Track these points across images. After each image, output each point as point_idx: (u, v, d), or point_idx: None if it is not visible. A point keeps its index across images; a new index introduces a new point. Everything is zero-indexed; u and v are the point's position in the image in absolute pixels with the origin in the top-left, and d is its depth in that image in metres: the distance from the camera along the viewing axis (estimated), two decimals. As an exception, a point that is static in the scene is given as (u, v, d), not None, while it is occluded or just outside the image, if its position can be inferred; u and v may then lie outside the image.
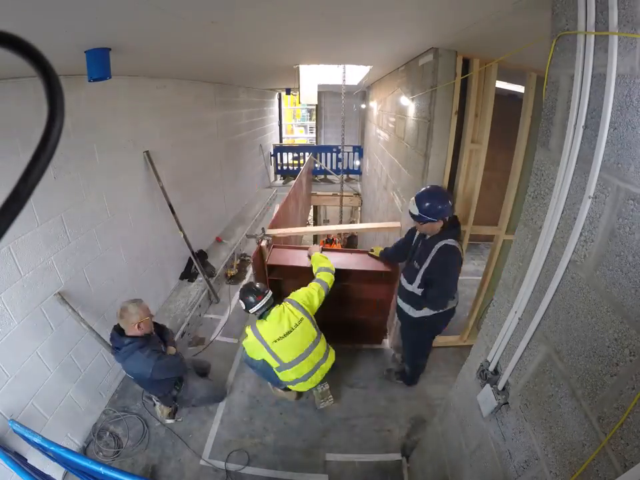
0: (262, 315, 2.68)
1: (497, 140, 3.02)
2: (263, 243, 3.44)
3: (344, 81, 4.16)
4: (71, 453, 1.83)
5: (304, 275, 3.46)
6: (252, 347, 2.72)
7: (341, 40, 2.45)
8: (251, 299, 2.65)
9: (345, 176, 8.69)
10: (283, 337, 2.63)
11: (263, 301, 2.65)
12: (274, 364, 2.74)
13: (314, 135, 13.41)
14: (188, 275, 4.83)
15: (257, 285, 2.72)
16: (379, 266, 3.41)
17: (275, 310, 2.67)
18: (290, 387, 2.88)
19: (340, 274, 3.16)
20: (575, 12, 1.00)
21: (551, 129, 1.19)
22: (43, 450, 2.02)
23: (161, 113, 4.14)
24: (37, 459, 2.28)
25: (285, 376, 2.79)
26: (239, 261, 5.68)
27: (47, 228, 2.53)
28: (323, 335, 2.90)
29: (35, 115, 2.27)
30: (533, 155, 1.32)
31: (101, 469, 1.67)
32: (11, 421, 2.15)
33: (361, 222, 8.95)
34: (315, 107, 12.62)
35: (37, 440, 1.94)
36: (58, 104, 0.28)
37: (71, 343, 2.80)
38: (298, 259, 3.53)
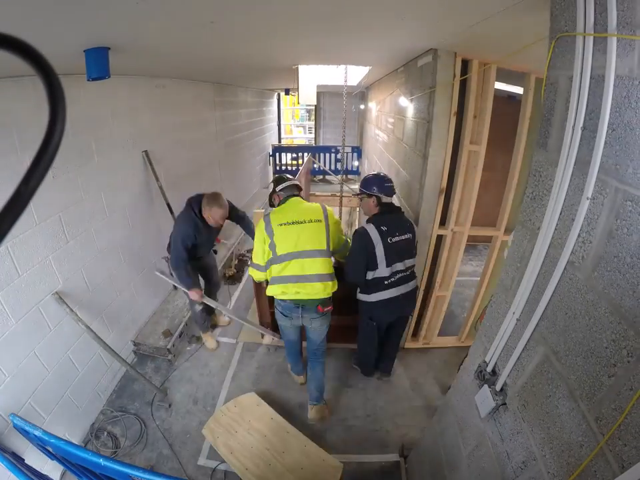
0: (280, 203, 2.69)
1: (495, 141, 3.02)
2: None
3: (346, 81, 4.15)
4: (71, 445, 1.83)
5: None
6: (258, 235, 2.61)
7: (340, 41, 2.45)
8: (282, 180, 2.76)
9: (343, 176, 8.64)
10: (288, 223, 2.52)
11: (288, 183, 2.72)
12: (268, 256, 2.58)
13: (313, 136, 13.42)
14: (186, 274, 4.82)
15: (289, 175, 2.89)
16: None
17: (294, 199, 2.67)
18: (277, 290, 2.62)
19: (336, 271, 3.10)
20: (573, 13, 1.00)
21: (549, 130, 1.19)
22: (42, 444, 2.01)
23: (160, 112, 4.13)
24: (34, 459, 2.27)
25: (272, 271, 2.59)
26: (237, 261, 5.67)
27: (45, 227, 2.52)
28: (331, 263, 2.68)
29: (34, 114, 2.27)
30: (531, 156, 1.32)
31: (101, 460, 1.67)
32: (12, 415, 2.15)
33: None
34: (313, 108, 12.62)
35: (37, 433, 1.93)
36: (59, 106, 0.28)
37: (69, 343, 2.79)
38: None
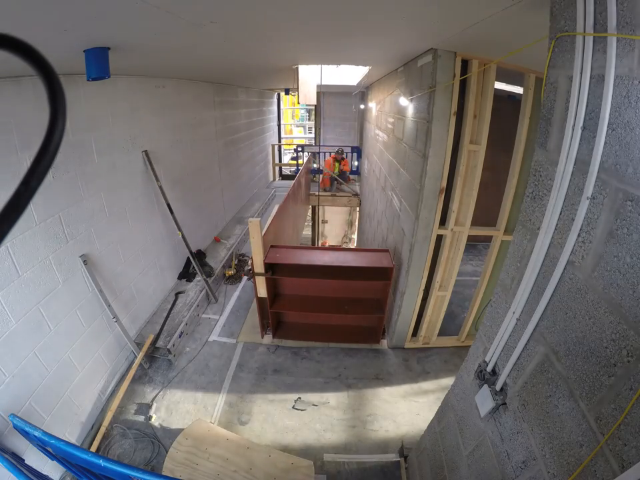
0: None
1: (495, 141, 3.02)
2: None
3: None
4: (71, 446, 1.83)
5: (300, 273, 3.47)
6: None
7: (340, 40, 2.44)
8: None
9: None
10: None
11: None
12: None
13: (313, 135, 13.42)
14: (186, 274, 4.83)
15: None
16: (375, 262, 3.41)
17: None
18: None
19: (335, 271, 3.13)
20: (573, 13, 1.00)
21: (549, 130, 1.19)
22: (43, 445, 2.01)
23: (160, 112, 4.13)
24: (34, 460, 2.27)
25: None
26: (237, 260, 5.67)
27: (45, 227, 2.52)
28: None
29: (33, 113, 2.26)
30: (531, 155, 1.32)
31: (101, 461, 1.67)
32: (12, 416, 2.15)
33: (359, 222, 8.95)
34: (313, 107, 12.60)
35: (37, 434, 1.93)
36: (60, 106, 0.28)
37: (69, 343, 2.78)
38: (294, 257, 3.53)
